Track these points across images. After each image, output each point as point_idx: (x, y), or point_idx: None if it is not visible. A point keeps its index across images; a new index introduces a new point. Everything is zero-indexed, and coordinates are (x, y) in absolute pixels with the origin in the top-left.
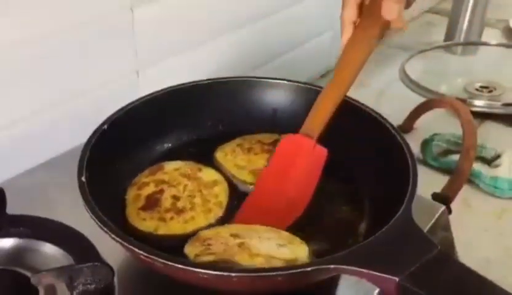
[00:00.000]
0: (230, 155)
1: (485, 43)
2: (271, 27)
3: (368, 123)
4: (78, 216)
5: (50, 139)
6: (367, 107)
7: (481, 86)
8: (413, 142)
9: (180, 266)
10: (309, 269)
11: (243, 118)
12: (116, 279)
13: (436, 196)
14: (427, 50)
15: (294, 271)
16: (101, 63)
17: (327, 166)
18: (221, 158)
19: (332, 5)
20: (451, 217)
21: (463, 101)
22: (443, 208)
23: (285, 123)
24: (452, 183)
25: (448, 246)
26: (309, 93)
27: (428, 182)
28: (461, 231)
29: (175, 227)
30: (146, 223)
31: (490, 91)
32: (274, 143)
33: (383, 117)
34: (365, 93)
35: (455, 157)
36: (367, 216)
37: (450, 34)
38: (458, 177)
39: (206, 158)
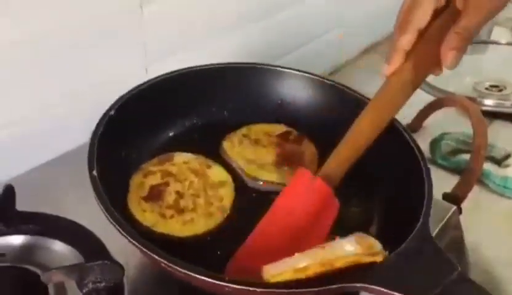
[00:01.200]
0: (238, 147)
1: (494, 42)
2: (279, 24)
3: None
4: (88, 213)
5: (59, 135)
6: None
7: (491, 86)
8: (422, 141)
9: (205, 278)
10: (335, 286)
11: (248, 106)
12: (125, 278)
13: (446, 197)
14: None
15: (320, 288)
16: (110, 59)
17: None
18: (229, 149)
19: (340, 3)
20: (461, 217)
21: (473, 100)
22: (454, 208)
23: (290, 115)
24: (462, 183)
25: (459, 246)
26: (318, 86)
27: (437, 182)
28: (471, 231)
29: (173, 227)
30: (146, 215)
31: (500, 90)
32: (281, 135)
33: (397, 121)
34: (373, 91)
35: (465, 157)
36: (378, 217)
37: None
38: (469, 177)
39: (211, 147)
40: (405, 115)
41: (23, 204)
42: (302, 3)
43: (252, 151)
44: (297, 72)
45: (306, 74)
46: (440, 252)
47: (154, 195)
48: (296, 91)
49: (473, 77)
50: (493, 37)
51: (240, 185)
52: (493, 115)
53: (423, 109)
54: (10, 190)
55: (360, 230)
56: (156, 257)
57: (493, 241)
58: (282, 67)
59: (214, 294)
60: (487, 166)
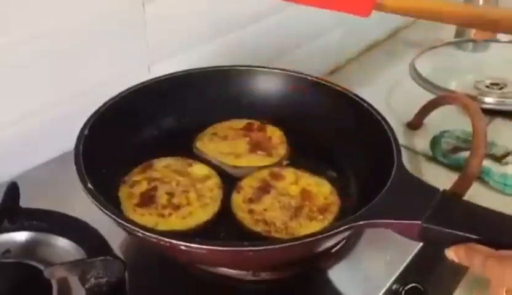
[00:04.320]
0: (210, 144)
1: (495, 40)
2: (280, 23)
3: (329, 94)
4: (91, 210)
5: (63, 133)
6: (326, 81)
7: (492, 83)
8: (423, 139)
9: (200, 246)
10: (342, 228)
11: (209, 107)
12: (127, 273)
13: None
14: (437, 47)
15: (327, 234)
16: (113, 58)
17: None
18: (203, 147)
19: None
20: None
21: (473, 98)
22: None
23: (249, 107)
24: (461, 180)
25: None
26: (268, 77)
27: (437, 179)
28: None
29: (175, 222)
30: (145, 218)
31: (501, 88)
32: (245, 127)
33: (340, 86)
34: (375, 90)
35: (465, 154)
36: (354, 182)
37: (460, 31)
38: (468, 175)
39: (184, 150)
40: (406, 113)
41: (27, 201)
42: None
43: (225, 145)
44: (246, 68)
45: (257, 68)
46: (421, 181)
47: (147, 200)
48: (251, 85)
49: (474, 75)
50: (494, 35)
51: (221, 175)
52: (493, 113)
53: (424, 107)
54: (14, 187)
55: (343, 186)
56: (180, 242)
57: None
58: (231, 66)
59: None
60: (487, 163)
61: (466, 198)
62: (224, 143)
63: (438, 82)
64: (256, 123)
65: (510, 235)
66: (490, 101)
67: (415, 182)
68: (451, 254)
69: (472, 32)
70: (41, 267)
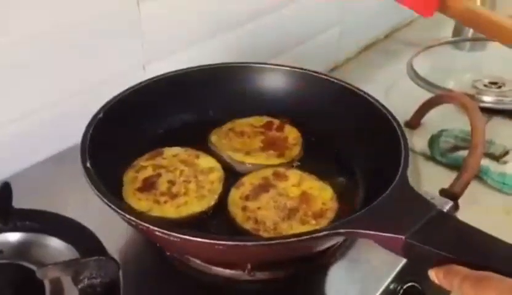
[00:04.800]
0: (224, 139)
1: (493, 39)
2: (278, 21)
3: (353, 98)
4: (84, 211)
5: (56, 133)
6: (349, 84)
7: (490, 82)
8: (421, 138)
9: (198, 239)
10: (321, 234)
11: (231, 103)
12: (121, 273)
13: (443, 192)
14: (435, 46)
15: (306, 237)
16: (108, 58)
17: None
18: (216, 141)
19: (340, 0)
20: (458, 213)
21: (471, 97)
22: (451, 203)
23: (272, 105)
24: (459, 179)
25: None
26: (294, 76)
27: (436, 178)
28: None
29: (168, 210)
30: (141, 203)
31: (499, 87)
32: (265, 126)
33: (365, 92)
34: (372, 89)
35: (463, 153)
36: (362, 187)
37: (458, 30)
38: (466, 174)
39: (199, 143)
40: (404, 112)
41: (20, 201)
42: (301, 0)
43: (238, 141)
44: (273, 66)
45: (282, 67)
46: (419, 196)
47: (148, 185)
48: (274, 83)
49: (472, 74)
50: None
51: (229, 170)
52: (492, 112)
53: (422, 106)
54: (7, 187)
55: (349, 193)
56: (164, 231)
57: None
58: (259, 63)
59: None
60: (485, 162)
61: (464, 197)
62: (239, 139)
63: (436, 81)
64: (276, 122)
65: (493, 259)
66: (488, 99)
67: (413, 197)
68: (432, 274)
69: (470, 31)
70: (34, 268)
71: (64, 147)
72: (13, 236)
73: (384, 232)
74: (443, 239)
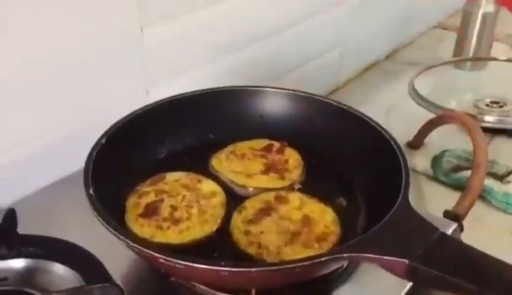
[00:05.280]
0: (225, 162)
1: (494, 59)
2: (279, 45)
3: (353, 121)
4: (88, 236)
5: (61, 158)
6: (349, 107)
7: (491, 102)
8: (423, 158)
9: (203, 266)
10: (323, 259)
11: (232, 126)
12: None
13: (447, 214)
14: (436, 66)
15: (309, 262)
16: (111, 82)
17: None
18: (217, 165)
19: (340, 22)
20: (463, 234)
21: (473, 116)
22: (455, 225)
23: (272, 128)
24: (463, 200)
25: None
26: (293, 99)
27: (439, 199)
28: None
29: (170, 236)
30: (144, 229)
31: (501, 107)
32: (265, 149)
33: (365, 115)
34: (374, 109)
35: (466, 173)
36: (364, 209)
37: (459, 50)
38: (470, 194)
39: (201, 167)
40: (406, 133)
41: (24, 227)
42: (301, 23)
43: (239, 164)
44: (274, 90)
45: (283, 90)
46: (422, 219)
47: (150, 211)
48: (272, 106)
49: (473, 94)
50: (492, 54)
51: (230, 194)
52: (494, 132)
53: (424, 126)
54: (12, 213)
55: (351, 215)
56: (163, 256)
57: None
58: (259, 87)
59: None
60: (489, 182)
61: (468, 217)
62: (240, 162)
63: (437, 101)
64: (276, 145)
65: (497, 283)
66: (490, 119)
67: (416, 219)
68: None
69: (471, 51)
70: None
71: (68, 172)
72: (18, 263)
73: (387, 256)
74: (447, 262)
